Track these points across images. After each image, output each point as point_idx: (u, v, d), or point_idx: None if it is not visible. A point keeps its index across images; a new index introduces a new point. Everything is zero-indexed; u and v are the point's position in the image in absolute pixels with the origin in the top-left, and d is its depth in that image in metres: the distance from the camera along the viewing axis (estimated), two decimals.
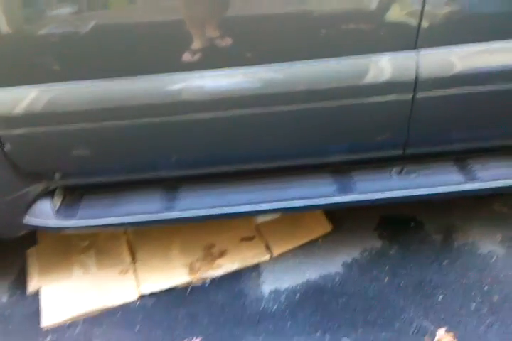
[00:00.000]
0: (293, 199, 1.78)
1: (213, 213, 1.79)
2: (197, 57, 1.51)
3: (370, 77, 1.55)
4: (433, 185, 1.77)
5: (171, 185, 1.88)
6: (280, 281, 2.03)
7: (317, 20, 1.49)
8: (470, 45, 1.54)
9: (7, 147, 1.62)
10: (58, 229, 1.83)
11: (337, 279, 2.01)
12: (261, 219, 2.22)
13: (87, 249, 2.20)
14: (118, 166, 1.78)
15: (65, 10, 1.44)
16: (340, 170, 1.87)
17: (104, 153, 1.71)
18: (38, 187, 1.79)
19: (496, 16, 1.53)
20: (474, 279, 1.96)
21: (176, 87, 1.56)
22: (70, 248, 2.20)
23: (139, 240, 2.22)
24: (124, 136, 1.66)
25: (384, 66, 1.55)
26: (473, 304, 1.88)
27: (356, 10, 1.49)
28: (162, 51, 1.52)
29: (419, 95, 1.58)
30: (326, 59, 1.54)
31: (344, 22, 1.49)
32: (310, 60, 1.53)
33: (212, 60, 1.54)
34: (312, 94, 1.58)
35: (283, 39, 1.51)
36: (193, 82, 1.56)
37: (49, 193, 1.83)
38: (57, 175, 1.77)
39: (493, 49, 1.56)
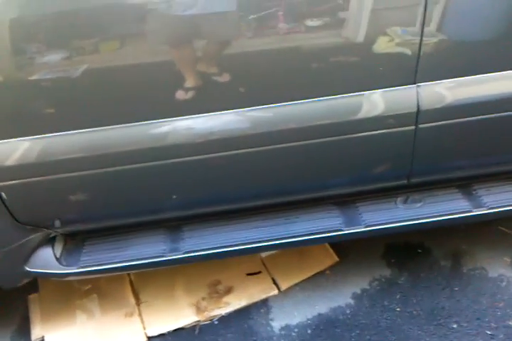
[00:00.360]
0: (299, 234, 1.75)
1: (219, 252, 1.76)
2: (190, 95, 1.50)
3: (372, 112, 1.56)
4: (440, 214, 1.75)
5: (174, 225, 1.85)
6: (290, 316, 1.99)
7: (316, 59, 1.49)
8: (469, 76, 1.55)
9: (4, 198, 1.59)
10: (61, 277, 1.78)
11: (348, 311, 1.97)
12: (266, 252, 2.19)
13: (90, 293, 2.14)
14: (118, 211, 1.75)
15: (55, 57, 1.42)
16: (345, 201, 1.85)
17: (104, 199, 1.69)
18: (38, 235, 1.74)
19: (493, 47, 1.53)
20: (487, 305, 1.93)
21: (170, 131, 1.55)
22: (72, 292, 2.15)
23: (142, 280, 2.17)
24: (121, 182, 1.64)
25: (384, 101, 1.55)
26: (488, 331, 1.85)
27: (355, 48, 1.48)
28: (154, 97, 1.51)
29: (422, 126, 1.58)
30: (327, 97, 1.54)
31: (346, 60, 1.49)
32: (313, 99, 1.53)
33: (207, 101, 1.53)
34: (315, 131, 1.58)
35: (287, 78, 1.51)
36: (188, 125, 1.55)
37: (50, 240, 1.79)
38: (57, 223, 1.73)
39: (492, 79, 1.56)
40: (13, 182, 1.57)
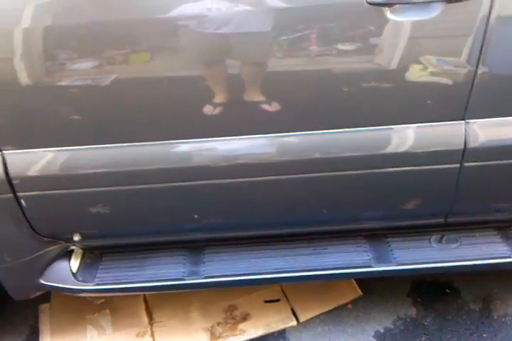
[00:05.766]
0: (326, 267, 1.67)
1: (241, 280, 1.69)
2: (218, 115, 1.44)
3: (417, 147, 1.48)
4: (476, 258, 1.65)
5: (196, 247, 1.78)
6: None
7: (364, 91, 1.43)
8: None
9: (24, 208, 1.55)
10: (75, 292, 1.73)
11: None
12: None
13: (102, 308, 2.08)
14: (139, 229, 1.70)
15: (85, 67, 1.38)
16: (376, 235, 1.76)
17: (125, 217, 1.64)
18: (56, 248, 1.70)
19: None
20: None
21: (193, 152, 1.51)
22: (84, 305, 2.08)
23: (157, 299, 2.10)
24: (144, 200, 1.59)
25: (428, 136, 1.48)
26: None
27: (406, 81, 1.41)
28: (180, 115, 1.47)
29: (467, 165, 1.50)
30: (373, 127, 1.47)
31: (396, 93, 1.43)
32: (356, 129, 1.47)
33: (235, 123, 1.48)
34: (356, 163, 1.51)
35: (334, 107, 1.46)
36: (213, 147, 1.50)
37: (67, 254, 1.74)
38: (76, 237, 1.67)
39: None
40: (35, 193, 1.53)
